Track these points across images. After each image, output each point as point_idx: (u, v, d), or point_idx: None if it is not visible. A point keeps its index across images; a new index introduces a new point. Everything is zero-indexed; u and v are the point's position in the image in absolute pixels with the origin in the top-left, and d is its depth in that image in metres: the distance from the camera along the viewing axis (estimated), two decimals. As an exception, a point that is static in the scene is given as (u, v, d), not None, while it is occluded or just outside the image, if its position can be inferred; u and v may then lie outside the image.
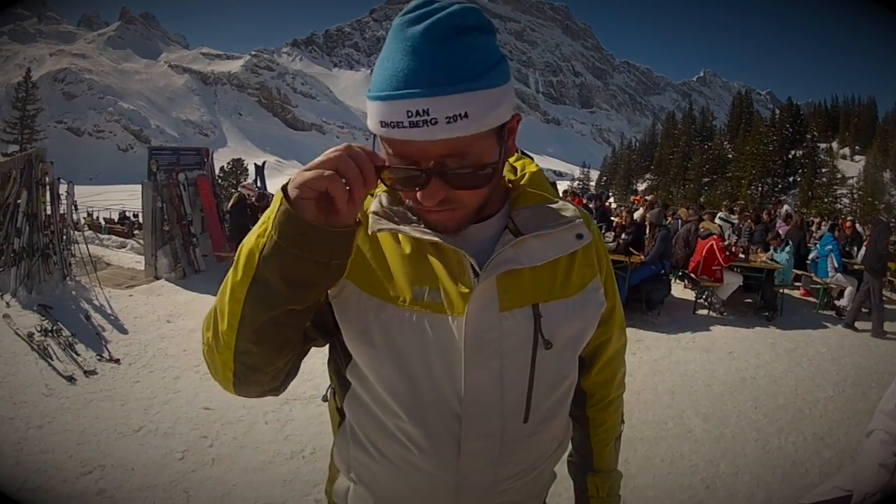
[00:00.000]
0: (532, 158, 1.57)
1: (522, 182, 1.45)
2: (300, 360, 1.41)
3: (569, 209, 1.41)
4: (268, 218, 1.10)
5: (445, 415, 1.31)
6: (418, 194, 1.19)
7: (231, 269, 1.18)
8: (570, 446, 1.73)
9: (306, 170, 1.05)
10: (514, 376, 1.32)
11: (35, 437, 5.09)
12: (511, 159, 1.52)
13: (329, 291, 1.30)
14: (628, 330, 5.83)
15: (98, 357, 7.14)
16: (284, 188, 1.08)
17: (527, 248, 1.32)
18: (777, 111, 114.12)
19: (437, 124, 1.10)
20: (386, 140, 1.19)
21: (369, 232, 1.31)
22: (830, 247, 12.01)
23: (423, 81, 1.10)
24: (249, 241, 1.13)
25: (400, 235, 1.32)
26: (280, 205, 1.07)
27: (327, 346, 1.47)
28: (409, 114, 1.10)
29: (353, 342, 1.34)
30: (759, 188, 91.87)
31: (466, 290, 1.27)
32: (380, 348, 1.30)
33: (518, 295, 1.31)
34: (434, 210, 1.23)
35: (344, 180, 1.04)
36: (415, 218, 1.32)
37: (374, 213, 1.32)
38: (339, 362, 1.45)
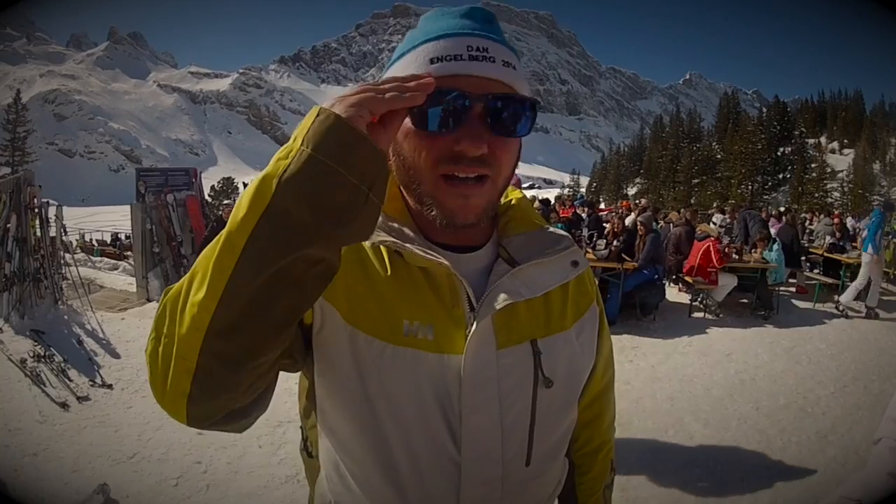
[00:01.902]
0: (514, 186, 1.43)
1: (509, 209, 1.37)
2: (272, 387, 1.11)
3: (562, 236, 1.34)
4: (295, 137, 0.88)
5: (442, 462, 1.19)
6: (460, 140, 1.08)
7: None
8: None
9: (359, 92, 0.92)
10: (515, 418, 1.21)
11: (30, 464, 5.05)
12: None
13: (311, 318, 1.17)
14: (624, 336, 5.88)
15: (91, 382, 7.07)
16: (323, 109, 0.88)
17: (525, 277, 1.23)
18: (764, 110, 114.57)
19: (495, 63, 1.11)
20: (437, 79, 1.03)
21: (369, 243, 1.21)
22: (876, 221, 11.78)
23: (480, 27, 1.15)
24: (261, 175, 0.86)
25: (388, 261, 1.20)
26: (318, 115, 0.87)
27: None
28: (470, 48, 1.11)
29: (335, 381, 1.21)
30: (750, 186, 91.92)
31: (462, 325, 1.18)
32: (366, 389, 1.17)
33: (515, 330, 1.22)
34: (464, 173, 1.11)
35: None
36: (412, 235, 1.21)
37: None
38: (313, 407, 1.34)
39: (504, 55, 1.13)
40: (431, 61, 1.11)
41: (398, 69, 1.17)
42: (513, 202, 1.39)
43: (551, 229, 1.36)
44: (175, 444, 5.73)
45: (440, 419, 1.17)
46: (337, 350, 1.17)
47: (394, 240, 1.17)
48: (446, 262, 1.15)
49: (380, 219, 1.11)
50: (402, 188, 1.27)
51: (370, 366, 1.16)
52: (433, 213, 1.16)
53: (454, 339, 1.17)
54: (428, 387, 1.16)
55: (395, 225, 1.22)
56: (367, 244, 1.21)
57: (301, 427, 1.65)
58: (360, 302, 1.18)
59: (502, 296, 1.18)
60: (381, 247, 1.20)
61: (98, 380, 7.17)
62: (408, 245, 1.16)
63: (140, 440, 5.38)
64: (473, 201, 1.14)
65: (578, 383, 1.36)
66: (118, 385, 7.04)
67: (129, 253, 15.68)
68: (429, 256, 1.15)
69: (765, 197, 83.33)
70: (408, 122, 1.08)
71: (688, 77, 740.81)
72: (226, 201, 17.71)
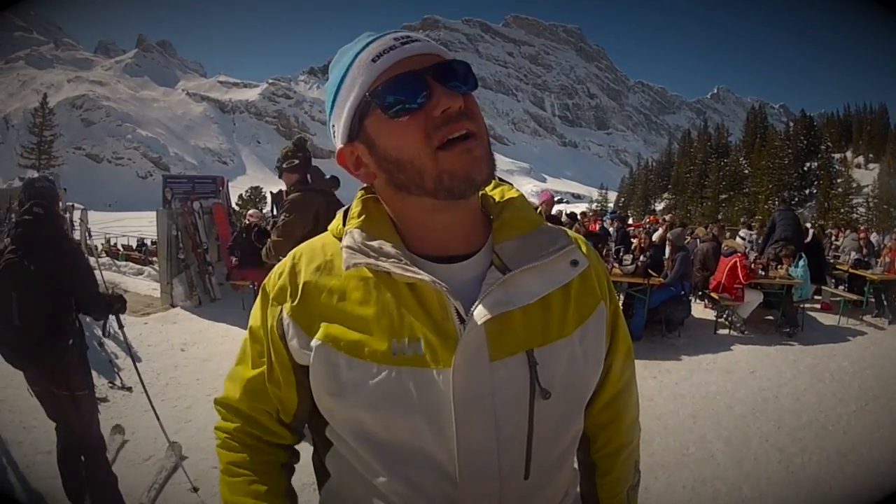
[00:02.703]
0: (511, 184, 1.45)
1: (503, 211, 1.33)
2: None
3: (559, 234, 1.30)
4: None
5: (439, 478, 1.20)
6: (438, 102, 1.12)
7: None
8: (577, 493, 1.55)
9: None
10: (511, 431, 1.19)
11: (44, 461, 5.04)
12: (488, 188, 1.39)
13: (301, 356, 1.26)
14: (649, 353, 5.77)
15: (110, 384, 7.14)
16: None
17: (517, 285, 1.20)
18: (791, 124, 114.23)
19: (423, 42, 1.19)
20: (383, 75, 1.16)
21: (344, 267, 1.22)
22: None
23: (395, 31, 1.22)
24: None
25: (373, 280, 1.22)
26: None
27: None
28: (397, 39, 1.17)
29: (330, 406, 1.26)
30: (777, 202, 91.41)
31: (451, 339, 1.16)
32: (360, 410, 1.20)
33: (509, 341, 1.19)
34: (458, 131, 1.13)
35: None
36: (393, 252, 1.21)
37: (348, 247, 1.24)
38: (318, 420, 1.35)
39: (426, 39, 1.21)
40: (373, 60, 1.16)
41: (345, 90, 1.22)
42: (506, 203, 1.35)
43: (548, 227, 1.31)
44: (193, 448, 5.77)
45: (433, 435, 1.17)
46: (328, 377, 1.21)
47: (370, 260, 1.19)
48: (426, 277, 1.15)
49: (358, 239, 1.24)
50: (389, 205, 1.30)
51: (357, 387, 1.18)
52: (448, 186, 1.15)
53: (445, 353, 1.15)
54: (419, 403, 1.16)
55: (375, 243, 1.23)
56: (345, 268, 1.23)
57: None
58: (346, 327, 1.21)
59: (490, 306, 1.16)
60: (365, 268, 1.21)
61: (118, 382, 7.23)
62: (383, 263, 1.18)
63: (156, 443, 5.37)
64: (477, 153, 1.15)
65: (582, 391, 1.32)
66: (137, 388, 7.00)
67: (154, 258, 15.75)
68: (408, 273, 1.16)
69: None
70: (386, 124, 1.16)
71: (715, 91, 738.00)
72: (251, 210, 17.87)
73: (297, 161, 6.19)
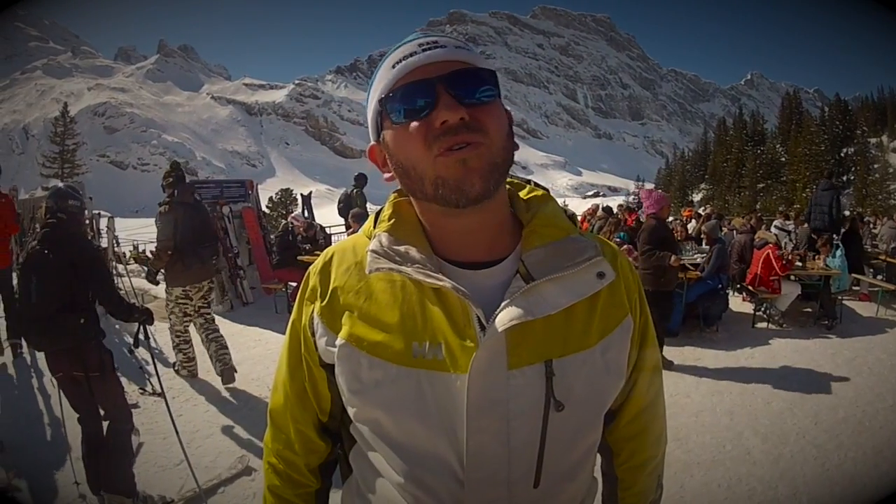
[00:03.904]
0: (547, 190, 1.45)
1: (534, 218, 1.31)
2: None
3: (587, 244, 1.27)
4: None
5: (447, 480, 1.20)
6: (439, 114, 1.12)
7: None
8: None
9: None
10: (524, 439, 1.18)
11: (76, 468, 5.01)
12: (522, 193, 1.40)
13: (327, 354, 1.31)
14: (685, 349, 5.75)
15: (141, 391, 7.20)
16: None
17: (539, 295, 1.19)
18: (826, 109, 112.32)
19: (447, 48, 1.17)
20: (398, 82, 1.18)
21: (367, 271, 1.25)
22: None
23: (433, 34, 1.21)
24: None
25: (399, 282, 1.24)
26: None
27: None
28: (421, 45, 1.17)
29: (352, 404, 1.29)
30: (814, 190, 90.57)
31: (472, 346, 1.15)
32: (377, 410, 1.23)
33: (529, 350, 1.18)
34: (457, 144, 1.12)
35: None
36: (418, 257, 1.22)
37: (373, 251, 1.26)
38: (346, 416, 1.39)
39: (456, 43, 1.19)
40: (393, 66, 1.18)
41: (372, 91, 1.26)
42: (537, 210, 1.33)
43: (578, 237, 1.29)
44: (224, 452, 5.87)
45: (445, 438, 1.19)
46: (350, 377, 1.25)
47: (393, 265, 1.21)
48: (448, 283, 1.17)
49: (385, 242, 1.26)
50: (416, 205, 1.32)
51: (376, 387, 1.21)
52: (441, 194, 1.15)
53: (464, 358, 1.16)
54: (434, 406, 1.18)
55: (402, 248, 1.25)
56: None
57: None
58: (370, 328, 1.24)
59: (510, 315, 1.15)
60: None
61: (148, 388, 7.27)
62: (406, 268, 1.20)
63: (188, 448, 5.37)
64: (472, 164, 1.13)
65: (600, 403, 1.31)
66: (168, 393, 7.02)
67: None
68: (429, 280, 1.18)
69: (840, 198, 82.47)
70: (393, 129, 1.19)
71: (749, 77, 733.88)
72: (295, 212, 18.14)
73: (170, 179, 7.92)
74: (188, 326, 7.98)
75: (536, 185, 1.44)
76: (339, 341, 1.26)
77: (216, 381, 7.79)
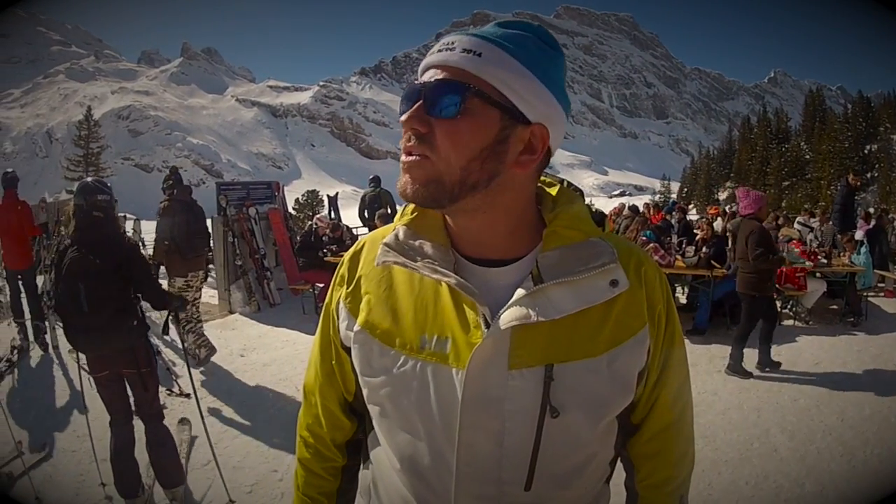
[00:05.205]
0: (581, 191, 1.42)
1: (556, 219, 1.28)
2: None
3: (605, 249, 1.23)
4: None
5: (441, 471, 1.24)
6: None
7: None
8: None
9: None
10: (517, 441, 1.20)
11: (103, 470, 5.03)
12: (551, 191, 1.37)
13: (347, 338, 1.37)
14: (713, 346, 5.77)
15: (168, 392, 7.19)
16: None
17: (547, 297, 1.18)
18: (849, 106, 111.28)
19: (454, 51, 1.14)
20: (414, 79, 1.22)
21: (375, 264, 1.31)
22: None
23: (483, 28, 1.19)
24: None
25: (417, 275, 1.26)
26: None
27: None
28: (445, 43, 1.17)
29: (364, 389, 1.35)
30: (839, 188, 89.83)
31: (476, 342, 1.16)
32: (384, 395, 1.28)
33: (531, 352, 1.18)
34: (406, 152, 1.18)
35: None
36: (431, 252, 1.26)
37: (386, 244, 1.30)
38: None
39: (471, 45, 1.14)
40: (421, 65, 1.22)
41: None
42: (561, 210, 1.29)
43: (598, 241, 1.25)
44: (252, 452, 5.88)
45: (442, 430, 1.22)
46: (362, 361, 1.32)
47: (401, 259, 1.27)
48: (453, 280, 1.20)
49: (401, 236, 1.31)
50: None
51: (384, 374, 1.27)
52: None
53: (467, 354, 1.18)
54: (435, 398, 1.21)
55: (417, 242, 1.29)
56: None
57: None
58: (384, 316, 1.29)
59: (513, 315, 1.16)
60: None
61: (176, 389, 7.31)
62: (412, 263, 1.25)
63: (216, 448, 5.40)
64: (412, 175, 1.17)
65: (600, 414, 1.25)
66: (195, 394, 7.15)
67: (210, 266, 15.97)
68: (435, 275, 1.22)
69: (854, 197, 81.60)
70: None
71: (772, 75, 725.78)
72: (322, 213, 18.16)
73: (170, 181, 9.14)
74: (192, 313, 8.62)
75: (570, 184, 1.40)
76: (356, 327, 1.32)
77: (245, 382, 7.84)
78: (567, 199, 1.33)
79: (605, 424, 1.28)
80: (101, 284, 4.59)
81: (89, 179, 5.05)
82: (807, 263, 10.62)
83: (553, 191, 1.37)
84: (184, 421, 6.10)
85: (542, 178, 1.37)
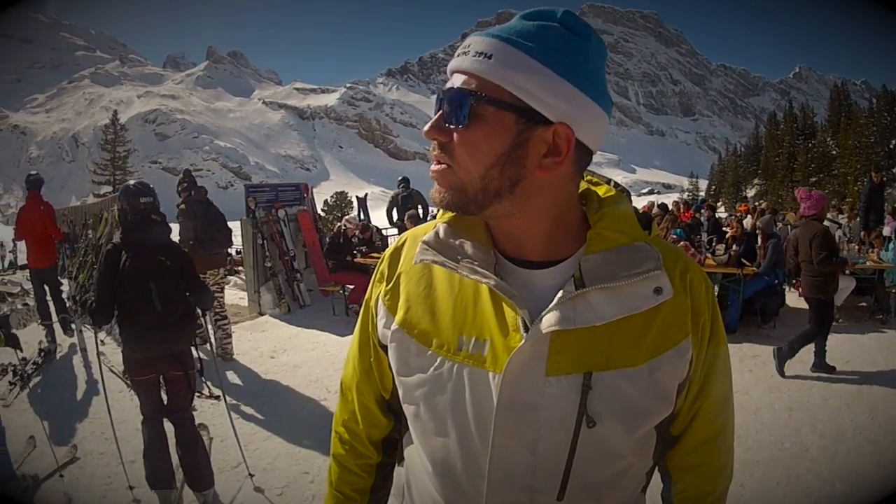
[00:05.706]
0: (627, 191, 1.37)
1: (601, 221, 1.23)
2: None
3: (650, 255, 1.19)
4: None
5: (474, 475, 1.22)
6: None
7: None
8: None
9: None
10: (552, 449, 1.17)
11: (129, 472, 5.06)
12: (600, 190, 1.32)
13: (384, 336, 1.35)
14: (743, 346, 5.76)
15: (198, 394, 7.09)
16: None
17: (588, 303, 1.14)
18: (874, 101, 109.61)
19: (467, 55, 1.12)
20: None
21: (414, 262, 1.29)
22: None
23: (504, 27, 1.14)
24: None
25: (456, 274, 1.23)
26: None
27: None
28: (462, 47, 1.15)
29: (400, 388, 1.34)
30: (866, 183, 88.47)
31: (514, 346, 1.14)
32: (419, 396, 1.27)
33: (570, 358, 1.14)
34: (433, 160, 1.19)
35: None
36: (471, 252, 1.22)
37: (425, 242, 1.28)
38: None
39: (482, 47, 1.11)
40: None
41: None
42: (606, 213, 1.24)
43: (644, 245, 1.21)
44: (283, 454, 5.86)
45: (476, 434, 1.20)
46: (399, 359, 1.30)
47: (439, 258, 1.24)
48: (492, 281, 1.17)
49: (441, 236, 1.27)
50: None
51: (420, 374, 1.25)
52: None
53: (505, 358, 1.15)
54: (470, 401, 1.19)
55: (457, 241, 1.25)
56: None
57: None
58: (422, 315, 1.27)
59: (553, 320, 1.12)
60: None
61: (205, 391, 7.33)
62: (451, 263, 1.22)
63: (247, 450, 5.41)
64: (439, 183, 1.18)
65: (637, 425, 1.21)
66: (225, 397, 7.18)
67: (239, 268, 15.95)
68: (473, 276, 1.19)
69: (881, 193, 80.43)
70: None
71: (797, 70, 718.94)
72: (351, 214, 18.22)
73: (185, 184, 9.64)
74: (219, 308, 8.99)
75: (616, 185, 1.36)
76: (394, 325, 1.30)
77: (275, 383, 7.88)
78: (613, 199, 1.29)
79: (642, 435, 1.24)
80: (171, 284, 4.77)
81: (132, 182, 5.13)
82: (868, 263, 10.55)
83: (601, 190, 1.32)
84: (201, 426, 6.12)
85: (589, 177, 1.35)
